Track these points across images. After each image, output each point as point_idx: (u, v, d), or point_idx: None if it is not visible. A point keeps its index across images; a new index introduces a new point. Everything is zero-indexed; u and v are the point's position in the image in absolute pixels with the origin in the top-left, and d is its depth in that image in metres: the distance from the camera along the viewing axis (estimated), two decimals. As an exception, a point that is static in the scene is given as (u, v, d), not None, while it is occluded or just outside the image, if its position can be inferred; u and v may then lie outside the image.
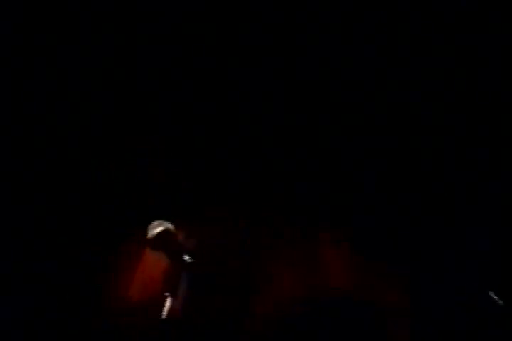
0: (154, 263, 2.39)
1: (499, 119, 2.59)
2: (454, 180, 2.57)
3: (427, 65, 2.61)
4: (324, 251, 2.55)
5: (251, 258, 2.55)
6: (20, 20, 2.58)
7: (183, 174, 2.63)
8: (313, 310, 2.45)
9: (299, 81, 2.65)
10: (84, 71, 2.62)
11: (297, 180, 2.63)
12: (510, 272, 2.42)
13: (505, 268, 2.44)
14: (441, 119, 2.61)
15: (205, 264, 2.12)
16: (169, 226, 2.06)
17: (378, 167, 2.61)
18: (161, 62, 2.65)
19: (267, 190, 2.62)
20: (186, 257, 1.97)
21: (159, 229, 2.03)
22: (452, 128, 2.60)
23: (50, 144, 2.60)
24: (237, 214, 2.59)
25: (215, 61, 2.65)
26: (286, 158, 2.64)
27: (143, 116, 2.65)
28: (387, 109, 2.63)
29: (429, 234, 2.52)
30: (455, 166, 2.58)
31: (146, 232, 2.05)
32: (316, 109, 2.66)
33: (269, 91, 2.66)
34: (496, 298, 2.12)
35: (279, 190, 2.61)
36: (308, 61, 2.65)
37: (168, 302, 1.97)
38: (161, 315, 1.96)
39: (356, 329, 2.43)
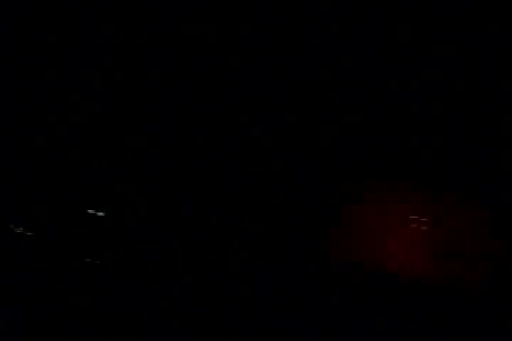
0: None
1: (499, 119, 2.59)
2: (454, 180, 2.57)
3: (427, 65, 2.62)
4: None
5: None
6: (20, 20, 2.59)
7: (183, 174, 2.63)
8: None
9: (299, 81, 2.65)
10: (84, 71, 2.63)
11: (297, 179, 2.63)
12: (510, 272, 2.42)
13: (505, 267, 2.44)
14: (441, 119, 2.61)
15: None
16: None
17: (378, 167, 2.61)
18: (161, 62, 2.65)
19: (266, 190, 2.62)
20: None
21: None
22: (452, 128, 2.60)
23: (50, 144, 2.61)
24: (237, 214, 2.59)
25: (215, 61, 2.65)
26: (287, 158, 2.64)
27: (143, 116, 2.66)
28: (387, 109, 2.63)
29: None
30: (455, 166, 2.58)
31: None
32: (316, 109, 2.66)
33: (269, 92, 2.66)
34: None
35: (279, 190, 2.61)
36: (308, 61, 2.65)
37: None
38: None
39: None
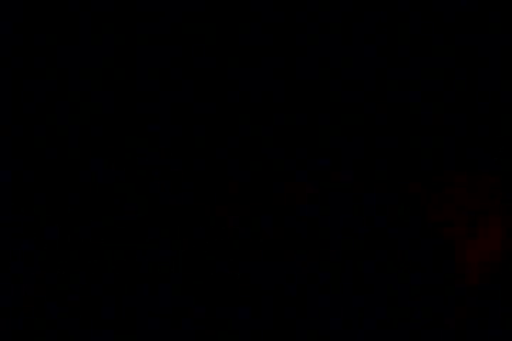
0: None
1: (499, 119, 2.59)
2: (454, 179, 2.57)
3: (427, 65, 2.62)
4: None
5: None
6: (20, 20, 2.59)
7: (183, 174, 2.64)
8: None
9: (299, 81, 2.66)
10: (84, 71, 2.63)
11: (297, 179, 2.63)
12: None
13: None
14: (441, 119, 2.62)
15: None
16: None
17: (378, 167, 2.61)
18: (161, 62, 2.65)
19: (267, 191, 2.63)
20: None
21: None
22: (452, 128, 2.61)
23: (50, 144, 2.61)
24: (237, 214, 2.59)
25: (215, 61, 2.65)
26: (287, 158, 2.65)
27: (143, 116, 2.66)
28: (387, 109, 2.63)
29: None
30: (455, 166, 2.58)
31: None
32: (316, 109, 2.66)
33: (269, 92, 2.66)
34: None
35: (279, 190, 2.62)
36: (308, 61, 2.65)
37: None
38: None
39: None
